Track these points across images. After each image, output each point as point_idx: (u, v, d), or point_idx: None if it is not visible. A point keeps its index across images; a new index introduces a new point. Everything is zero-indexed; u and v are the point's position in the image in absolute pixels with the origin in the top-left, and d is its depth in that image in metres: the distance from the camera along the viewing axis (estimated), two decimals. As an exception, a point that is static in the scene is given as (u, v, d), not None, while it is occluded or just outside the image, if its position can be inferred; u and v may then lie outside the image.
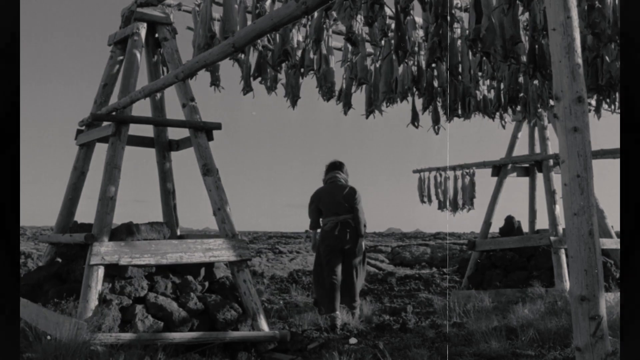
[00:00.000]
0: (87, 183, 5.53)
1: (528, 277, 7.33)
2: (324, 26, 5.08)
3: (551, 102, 5.79)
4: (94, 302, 4.30)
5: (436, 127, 6.24)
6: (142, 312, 4.37)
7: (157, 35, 5.61)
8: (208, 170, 5.01)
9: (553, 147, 7.94)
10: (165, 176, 5.80)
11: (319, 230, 6.22)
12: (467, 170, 9.45)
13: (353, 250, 6.01)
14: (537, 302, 6.09)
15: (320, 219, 6.20)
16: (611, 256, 7.45)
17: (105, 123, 5.11)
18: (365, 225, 6.10)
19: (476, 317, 5.56)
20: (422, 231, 29.57)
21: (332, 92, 5.79)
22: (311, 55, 5.37)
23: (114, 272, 4.49)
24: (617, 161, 6.97)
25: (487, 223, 8.20)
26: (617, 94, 5.24)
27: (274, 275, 10.33)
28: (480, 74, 5.68)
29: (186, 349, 4.36)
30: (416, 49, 5.41)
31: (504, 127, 6.58)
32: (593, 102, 5.86)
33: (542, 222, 8.18)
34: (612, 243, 7.36)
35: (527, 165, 8.36)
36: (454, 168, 9.55)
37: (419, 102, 6.03)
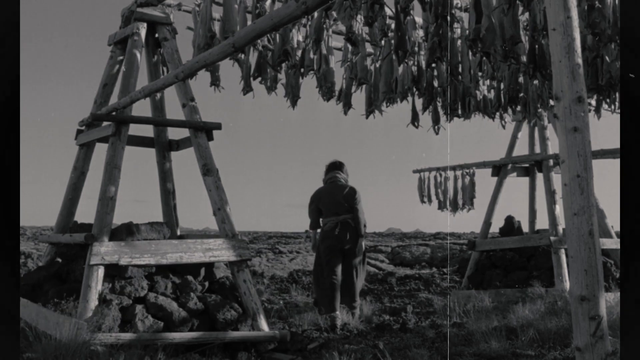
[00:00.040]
0: (87, 183, 5.54)
1: (528, 277, 7.33)
2: (324, 26, 5.08)
3: (551, 102, 5.79)
4: (94, 302, 4.30)
5: (436, 127, 6.24)
6: (142, 312, 4.37)
7: (157, 35, 5.61)
8: (208, 170, 5.01)
9: (553, 147, 7.95)
10: (165, 176, 5.80)
11: (319, 231, 6.22)
12: (467, 170, 9.45)
13: (353, 251, 6.01)
14: (537, 302, 6.09)
15: (321, 219, 6.20)
16: (611, 256, 7.45)
17: (105, 123, 5.11)
18: (365, 226, 6.11)
19: (476, 317, 5.56)
20: (422, 231, 29.56)
21: (332, 92, 5.79)
22: (311, 56, 5.38)
23: (114, 272, 4.49)
24: (617, 161, 6.97)
25: (487, 223, 8.20)
26: (617, 94, 5.24)
27: (274, 275, 10.33)
28: (480, 74, 5.68)
29: (186, 349, 4.36)
30: (416, 49, 5.41)
31: (504, 127, 6.58)
32: (593, 102, 5.86)
33: (542, 222, 8.19)
34: (612, 243, 7.36)
35: (527, 165, 8.36)
36: (454, 168, 9.55)
37: (419, 102, 6.03)
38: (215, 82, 5.67)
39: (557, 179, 7.61)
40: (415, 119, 6.03)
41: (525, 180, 8.51)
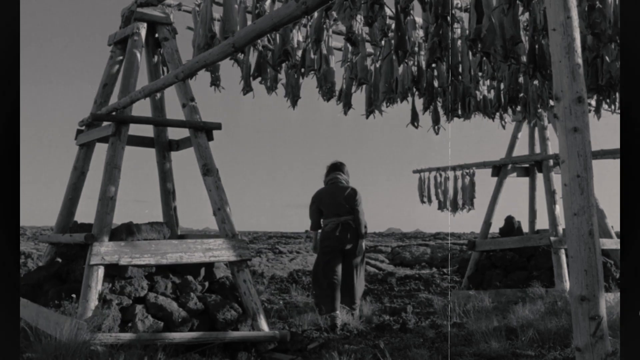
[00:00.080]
0: (87, 183, 5.53)
1: (528, 277, 7.33)
2: (324, 26, 5.08)
3: (551, 102, 5.79)
4: (94, 302, 4.30)
5: (436, 127, 6.24)
6: (142, 312, 4.37)
7: (157, 35, 5.61)
8: (208, 170, 5.01)
9: (553, 147, 7.94)
10: (165, 176, 5.80)
11: (319, 231, 6.24)
12: (467, 171, 9.45)
13: (353, 251, 6.02)
14: (537, 302, 6.10)
15: (321, 220, 6.21)
16: (611, 256, 7.44)
17: (105, 123, 5.11)
18: (366, 227, 6.12)
19: (476, 317, 5.56)
20: (422, 231, 29.56)
21: (332, 92, 5.79)
22: (312, 56, 5.37)
23: (114, 272, 4.49)
24: (617, 161, 6.96)
25: (487, 223, 8.19)
26: (617, 94, 5.23)
27: (274, 275, 10.33)
28: (480, 74, 5.68)
29: (186, 349, 4.36)
30: (416, 49, 5.41)
31: (504, 127, 6.58)
32: (593, 102, 5.86)
33: (542, 222, 8.19)
34: (612, 243, 7.36)
35: (527, 165, 8.36)
36: (454, 168, 9.55)
37: (419, 102, 6.03)
38: (215, 82, 5.67)
39: (557, 179, 7.61)
40: (415, 119, 6.03)
41: (525, 180, 8.50)
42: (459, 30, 5.25)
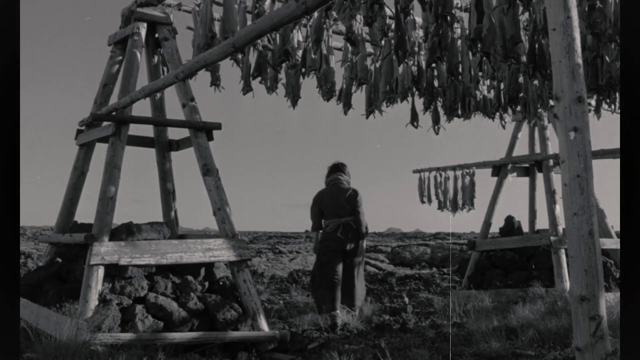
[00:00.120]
0: (87, 183, 5.54)
1: (528, 277, 7.33)
2: (324, 26, 5.08)
3: (551, 102, 5.79)
4: (94, 302, 4.30)
5: (436, 127, 6.24)
6: (142, 312, 4.36)
7: (157, 35, 5.61)
8: (208, 170, 5.01)
9: (553, 147, 7.95)
10: (165, 176, 5.80)
11: (320, 232, 6.25)
12: (467, 170, 9.44)
13: (354, 252, 6.05)
14: (537, 302, 6.10)
15: (322, 221, 6.23)
16: (611, 256, 7.45)
17: (105, 123, 5.11)
18: (366, 228, 6.14)
19: (476, 317, 5.56)
20: (422, 231, 29.58)
21: (333, 92, 5.79)
22: (312, 56, 5.37)
23: (114, 272, 4.49)
24: (617, 161, 6.97)
25: (487, 223, 8.20)
26: (617, 94, 5.24)
27: (274, 275, 10.33)
28: (480, 74, 5.68)
29: (186, 349, 4.36)
30: (416, 49, 5.41)
31: (504, 127, 6.58)
32: (593, 102, 5.86)
33: (542, 222, 8.19)
34: (612, 243, 7.36)
35: (527, 165, 8.36)
36: (454, 168, 9.55)
37: (419, 102, 6.03)
38: (215, 82, 5.66)
39: (557, 179, 7.61)
40: (414, 119, 6.03)
41: (525, 180, 8.51)
42: (458, 30, 5.25)
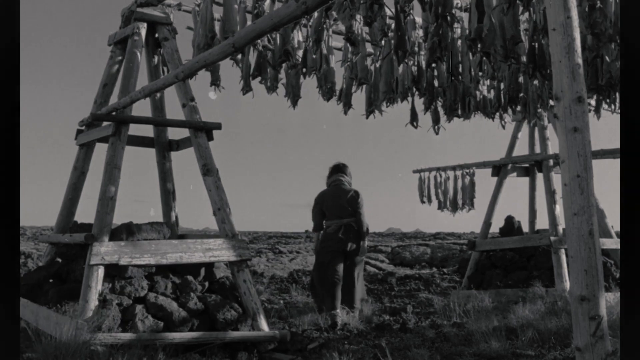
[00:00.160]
0: (87, 183, 5.53)
1: (528, 277, 7.33)
2: (324, 26, 5.08)
3: (551, 102, 5.79)
4: (94, 302, 4.30)
5: (436, 127, 6.24)
6: (142, 312, 4.36)
7: (157, 35, 5.61)
8: (208, 170, 5.01)
9: (553, 147, 7.95)
10: (165, 176, 5.80)
11: (321, 232, 6.27)
12: (467, 170, 9.45)
13: (355, 252, 6.07)
14: (537, 302, 6.10)
15: (324, 221, 6.25)
16: (611, 256, 7.45)
17: (105, 123, 5.11)
18: (367, 228, 6.15)
19: (476, 317, 5.56)
20: (422, 231, 29.57)
21: (333, 92, 5.80)
22: (313, 56, 5.37)
23: (114, 272, 4.49)
24: (617, 161, 6.97)
25: (487, 223, 8.20)
26: (617, 94, 5.24)
27: (274, 275, 10.33)
28: (480, 74, 5.68)
29: (186, 349, 4.36)
30: (416, 49, 5.41)
31: (504, 127, 6.58)
32: (593, 102, 5.86)
33: (542, 222, 8.19)
34: (612, 243, 7.36)
35: (527, 165, 8.36)
36: (454, 168, 9.56)
37: (419, 102, 6.03)
38: (215, 82, 5.67)
39: (557, 179, 7.61)
40: (414, 119, 6.03)
41: (525, 180, 8.51)
42: (458, 30, 5.25)
